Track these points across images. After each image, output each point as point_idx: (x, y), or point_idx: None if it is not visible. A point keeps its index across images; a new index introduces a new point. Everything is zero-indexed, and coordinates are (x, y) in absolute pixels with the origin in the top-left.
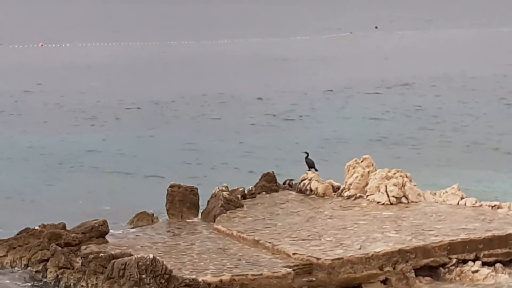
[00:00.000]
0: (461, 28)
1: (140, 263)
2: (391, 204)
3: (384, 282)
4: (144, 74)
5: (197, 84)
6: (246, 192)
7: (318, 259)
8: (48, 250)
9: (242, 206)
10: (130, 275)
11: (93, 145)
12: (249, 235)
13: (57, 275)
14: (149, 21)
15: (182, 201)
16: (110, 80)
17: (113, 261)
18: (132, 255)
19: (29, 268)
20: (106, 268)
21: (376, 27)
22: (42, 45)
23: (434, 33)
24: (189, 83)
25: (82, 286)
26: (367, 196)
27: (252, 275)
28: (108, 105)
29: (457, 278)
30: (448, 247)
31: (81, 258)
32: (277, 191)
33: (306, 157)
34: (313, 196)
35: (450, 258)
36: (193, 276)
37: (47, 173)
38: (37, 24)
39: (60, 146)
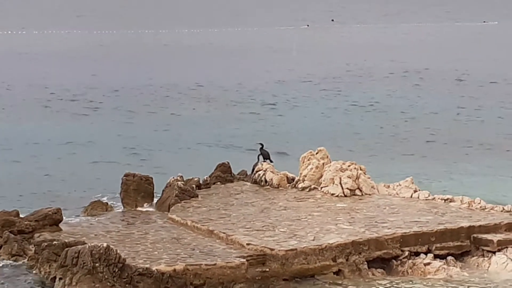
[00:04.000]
0: (421, 22)
1: (93, 252)
2: (345, 196)
3: (337, 273)
4: (106, 62)
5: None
6: (201, 182)
7: (272, 249)
8: (1, 237)
9: (197, 196)
10: (84, 263)
11: (62, 133)
12: (203, 225)
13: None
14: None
15: (137, 190)
16: (71, 68)
17: (66, 249)
18: (85, 243)
19: None
20: (59, 256)
21: (333, 20)
22: None
23: (393, 26)
24: (151, 73)
25: (35, 273)
26: (321, 187)
27: (206, 265)
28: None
29: (409, 271)
30: (401, 240)
31: (34, 245)
32: (232, 181)
33: (261, 148)
34: (268, 187)
35: (402, 251)
36: (147, 265)
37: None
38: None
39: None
